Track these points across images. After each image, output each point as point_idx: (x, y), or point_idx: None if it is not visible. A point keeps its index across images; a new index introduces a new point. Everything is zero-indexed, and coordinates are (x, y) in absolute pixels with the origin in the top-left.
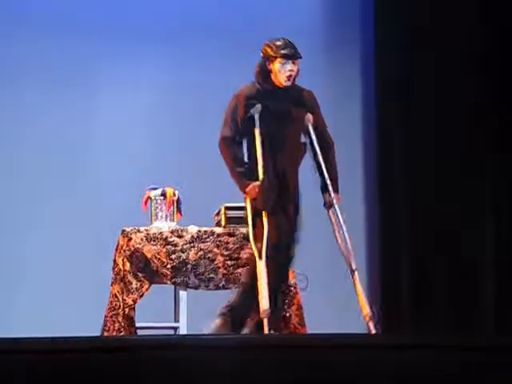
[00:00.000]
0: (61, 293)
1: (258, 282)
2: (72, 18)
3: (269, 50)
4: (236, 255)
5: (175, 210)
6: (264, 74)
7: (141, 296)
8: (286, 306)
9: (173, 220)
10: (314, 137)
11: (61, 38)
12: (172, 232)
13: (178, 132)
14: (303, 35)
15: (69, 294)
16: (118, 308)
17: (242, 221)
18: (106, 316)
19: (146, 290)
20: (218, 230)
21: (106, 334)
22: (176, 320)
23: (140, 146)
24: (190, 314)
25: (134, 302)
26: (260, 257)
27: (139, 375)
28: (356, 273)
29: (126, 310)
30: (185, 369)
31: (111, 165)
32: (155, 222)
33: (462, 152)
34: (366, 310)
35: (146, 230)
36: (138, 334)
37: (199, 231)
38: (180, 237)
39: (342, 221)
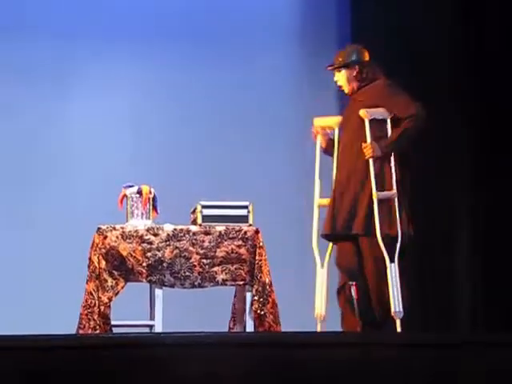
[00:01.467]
0: (36, 290)
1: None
2: (48, 18)
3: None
4: (212, 253)
5: (151, 207)
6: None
7: (116, 294)
8: (260, 305)
9: (148, 218)
10: (368, 132)
11: (36, 39)
12: (148, 230)
13: (154, 130)
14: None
15: (44, 291)
16: (94, 306)
17: (218, 219)
18: (81, 314)
19: (122, 287)
20: (194, 228)
21: (81, 331)
22: (151, 318)
23: (116, 144)
24: (166, 312)
25: (110, 299)
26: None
27: (114, 373)
28: (393, 266)
29: (102, 307)
30: (160, 367)
31: (87, 163)
32: (131, 219)
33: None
34: (392, 307)
35: (122, 228)
36: (114, 331)
37: (175, 229)
38: (156, 235)
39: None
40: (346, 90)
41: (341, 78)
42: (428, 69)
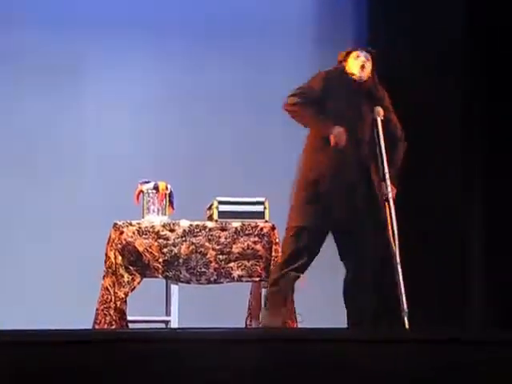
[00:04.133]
0: (53, 286)
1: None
2: (62, 13)
3: (343, 52)
4: (228, 249)
5: (167, 203)
6: (341, 71)
7: (132, 289)
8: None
9: (165, 214)
10: (380, 129)
11: (50, 34)
12: (164, 226)
13: (171, 125)
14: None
15: (61, 287)
16: (110, 301)
17: (234, 215)
18: (97, 309)
19: (138, 283)
20: (210, 224)
21: (97, 326)
22: (167, 314)
23: (132, 140)
24: (182, 308)
25: (126, 295)
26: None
27: (130, 368)
28: (399, 267)
29: (118, 303)
30: (176, 362)
31: (103, 158)
32: (147, 215)
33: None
34: (404, 305)
35: (138, 224)
36: (130, 327)
37: (191, 225)
38: (172, 231)
39: (393, 217)
40: (364, 73)
41: (368, 65)
42: (440, 69)
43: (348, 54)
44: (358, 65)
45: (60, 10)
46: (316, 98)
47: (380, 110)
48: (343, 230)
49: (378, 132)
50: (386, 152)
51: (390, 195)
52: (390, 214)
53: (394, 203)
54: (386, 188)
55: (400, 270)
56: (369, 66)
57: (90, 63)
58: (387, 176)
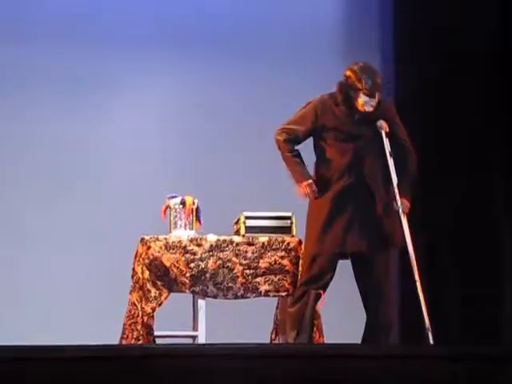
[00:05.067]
0: (81, 300)
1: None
2: (85, 28)
3: (354, 78)
4: (255, 264)
5: (194, 218)
6: (348, 100)
7: (160, 304)
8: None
9: (192, 229)
10: (386, 143)
11: (73, 48)
12: (191, 241)
13: (197, 140)
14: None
15: (88, 301)
16: (137, 316)
17: (261, 230)
18: (124, 324)
19: (165, 298)
20: (237, 238)
21: (124, 342)
22: (195, 329)
23: (160, 155)
24: (209, 323)
25: (153, 310)
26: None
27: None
28: (418, 282)
29: (145, 318)
30: (203, 378)
31: (131, 173)
32: (174, 230)
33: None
34: (426, 321)
35: (165, 239)
36: (157, 342)
37: (218, 240)
38: (199, 245)
39: (406, 230)
40: (372, 109)
41: (374, 102)
42: (466, 70)
43: (359, 90)
44: (366, 104)
45: (85, 27)
46: (302, 138)
47: (383, 124)
48: (358, 253)
49: (383, 146)
50: (395, 167)
51: (401, 210)
52: (403, 228)
53: (408, 217)
54: (396, 204)
55: (419, 286)
56: (375, 102)
57: (118, 80)
58: (396, 191)
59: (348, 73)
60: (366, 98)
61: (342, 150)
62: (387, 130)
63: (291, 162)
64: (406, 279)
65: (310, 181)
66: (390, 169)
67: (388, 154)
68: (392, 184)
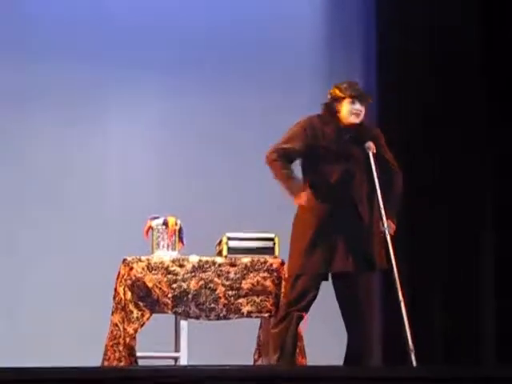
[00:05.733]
0: (62, 321)
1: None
2: (82, 46)
3: (337, 91)
4: (237, 285)
5: (177, 239)
6: (331, 113)
7: (142, 325)
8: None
9: (174, 249)
10: (373, 164)
11: (71, 65)
12: (173, 261)
13: (180, 161)
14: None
15: (70, 322)
16: (119, 337)
17: (244, 250)
18: (106, 345)
19: (147, 319)
20: (220, 259)
21: (106, 363)
22: (177, 350)
23: (142, 175)
24: (191, 344)
25: (135, 331)
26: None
27: None
28: (402, 303)
29: (127, 339)
30: None
31: (113, 194)
32: (157, 251)
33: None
34: (409, 342)
35: (148, 260)
36: (139, 363)
37: (200, 261)
38: (181, 266)
39: (391, 251)
40: (358, 120)
41: (362, 109)
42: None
43: (342, 98)
44: (351, 112)
45: (85, 43)
46: (295, 156)
47: (371, 145)
48: (342, 274)
49: (371, 167)
50: (381, 188)
51: (387, 231)
52: (388, 251)
53: (393, 240)
54: (383, 225)
55: (403, 307)
56: (363, 112)
57: (111, 99)
58: (383, 212)
59: (331, 90)
60: (350, 106)
61: (329, 170)
62: (374, 151)
63: (286, 178)
64: (388, 300)
65: (304, 194)
66: (377, 190)
67: (375, 176)
68: (378, 205)
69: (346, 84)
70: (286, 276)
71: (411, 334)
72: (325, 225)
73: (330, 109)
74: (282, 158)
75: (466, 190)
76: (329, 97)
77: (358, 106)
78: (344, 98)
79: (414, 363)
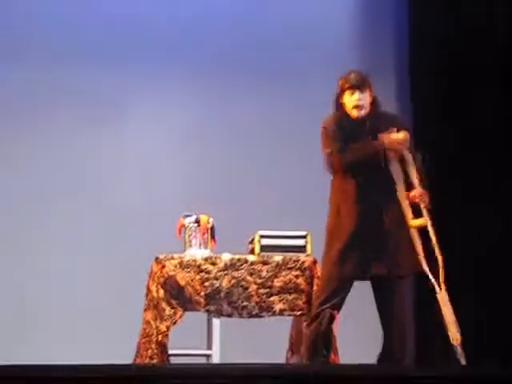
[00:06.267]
0: (95, 319)
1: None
2: (102, 49)
3: (340, 82)
4: (269, 283)
5: (209, 237)
6: (337, 107)
7: (174, 323)
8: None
9: (206, 247)
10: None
11: (91, 69)
12: (205, 259)
13: (213, 158)
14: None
15: (103, 320)
16: (151, 335)
17: (276, 249)
18: (138, 342)
19: (180, 317)
20: (252, 257)
21: (138, 360)
22: (209, 347)
23: (175, 173)
24: (223, 342)
25: (168, 328)
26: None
27: None
28: (443, 291)
29: (160, 336)
30: None
31: (146, 191)
32: (189, 249)
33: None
34: (455, 333)
35: (180, 258)
36: (171, 361)
37: (233, 259)
38: (213, 264)
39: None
40: (364, 112)
41: (365, 99)
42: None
43: (342, 91)
44: (353, 104)
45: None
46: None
47: (383, 137)
48: (379, 278)
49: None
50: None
51: (422, 206)
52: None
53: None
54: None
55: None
56: (366, 99)
57: (131, 101)
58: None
59: (338, 81)
60: (349, 98)
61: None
62: (389, 145)
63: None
64: (421, 302)
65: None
66: (400, 189)
67: (393, 171)
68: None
69: (348, 74)
70: (321, 275)
71: (457, 331)
72: (363, 225)
73: (336, 105)
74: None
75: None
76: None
77: (357, 95)
78: (344, 91)
79: (462, 361)
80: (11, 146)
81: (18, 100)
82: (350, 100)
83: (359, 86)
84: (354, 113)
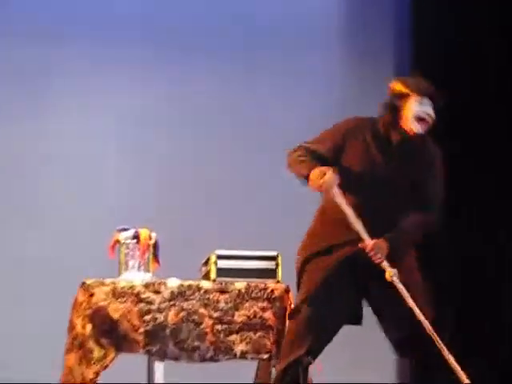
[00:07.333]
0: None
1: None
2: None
3: (401, 85)
4: (228, 318)
5: (151, 257)
6: (391, 113)
7: (104, 368)
8: None
9: (148, 270)
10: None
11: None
12: (146, 286)
13: (154, 158)
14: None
15: (19, 356)
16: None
17: (238, 273)
18: None
19: (112, 360)
20: (206, 284)
21: None
22: None
23: (111, 181)
24: None
25: (97, 375)
26: None
27: None
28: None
29: None
30: None
31: (70, 198)
32: (125, 272)
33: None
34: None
35: (113, 283)
36: None
37: (182, 286)
38: (157, 292)
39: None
40: (423, 129)
41: (432, 114)
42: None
43: (407, 95)
44: (417, 116)
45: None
46: (322, 154)
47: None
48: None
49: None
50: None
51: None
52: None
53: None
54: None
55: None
56: (431, 119)
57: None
58: None
59: (392, 85)
60: (417, 107)
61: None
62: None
63: (297, 161)
64: None
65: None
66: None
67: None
68: None
69: (413, 78)
70: (292, 306)
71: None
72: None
73: (388, 109)
74: (302, 151)
75: None
76: (388, 93)
77: (427, 108)
78: (409, 96)
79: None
80: None
81: None
82: (417, 109)
83: (432, 96)
84: (415, 127)
